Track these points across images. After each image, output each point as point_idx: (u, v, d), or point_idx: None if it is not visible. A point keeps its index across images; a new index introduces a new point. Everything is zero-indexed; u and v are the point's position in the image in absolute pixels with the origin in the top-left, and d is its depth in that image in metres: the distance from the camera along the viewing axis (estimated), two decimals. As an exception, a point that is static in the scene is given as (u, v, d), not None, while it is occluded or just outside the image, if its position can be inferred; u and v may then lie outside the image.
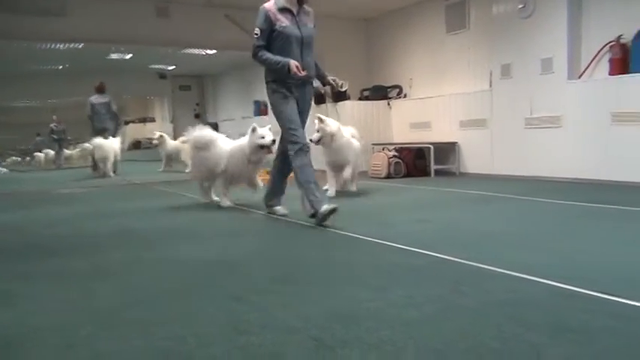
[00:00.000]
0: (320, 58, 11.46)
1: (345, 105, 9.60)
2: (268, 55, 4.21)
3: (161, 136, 11.46)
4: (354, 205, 5.33)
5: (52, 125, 17.60)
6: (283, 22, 4.20)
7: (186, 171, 9.35)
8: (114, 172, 10.33)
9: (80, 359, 1.75)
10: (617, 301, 2.10)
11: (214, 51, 13.24)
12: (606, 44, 6.52)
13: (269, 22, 4.19)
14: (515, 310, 2.04)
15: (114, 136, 10.52)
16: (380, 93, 10.08)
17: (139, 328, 1.99)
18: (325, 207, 3.95)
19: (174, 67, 16.78)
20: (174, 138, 18.36)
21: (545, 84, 7.06)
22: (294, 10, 4.28)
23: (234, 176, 5.14)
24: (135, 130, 23.31)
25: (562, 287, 2.31)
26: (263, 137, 4.88)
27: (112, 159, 10.28)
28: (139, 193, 7.09)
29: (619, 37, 6.35)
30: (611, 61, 6.44)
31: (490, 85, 7.95)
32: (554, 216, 4.38)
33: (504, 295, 2.24)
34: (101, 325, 2.03)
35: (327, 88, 5.23)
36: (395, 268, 2.75)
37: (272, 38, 4.23)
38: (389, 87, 10.18)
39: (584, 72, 6.83)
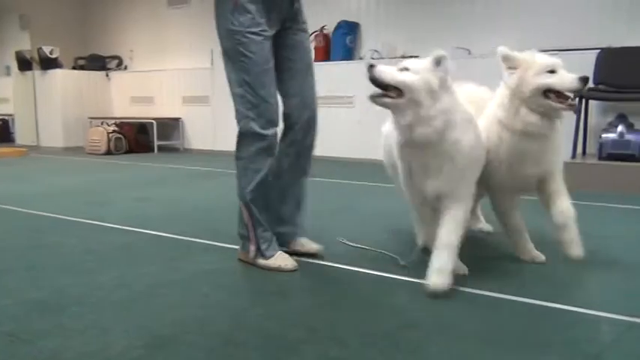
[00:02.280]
0: (25, 19, 10.13)
1: (56, 73, 8.72)
2: None
3: None
4: (68, 184, 4.92)
5: None
6: None
7: None
8: None
9: None
10: (324, 264, 2.41)
11: None
12: (312, 33, 7.25)
13: None
14: (223, 279, 2.19)
15: None
16: (97, 63, 9.41)
17: None
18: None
19: None
20: None
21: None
22: None
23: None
24: None
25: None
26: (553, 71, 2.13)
27: None
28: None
29: (322, 28, 7.13)
30: (315, 49, 7.19)
31: (211, 63, 8.13)
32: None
33: (212, 265, 2.37)
34: None
35: None
36: (107, 249, 2.65)
37: None
38: (107, 57, 9.57)
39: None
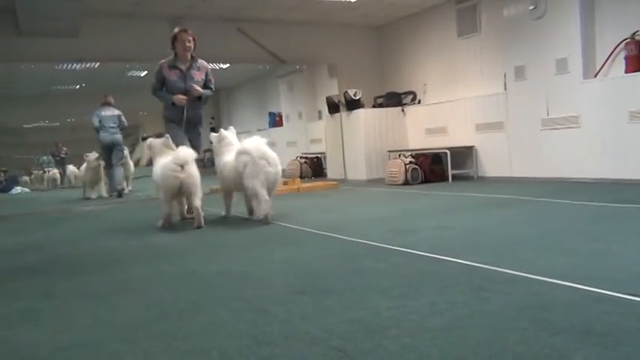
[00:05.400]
0: (333, 68, 11.56)
1: (359, 113, 9.62)
2: (162, 92, 5.60)
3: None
4: (373, 213, 5.32)
5: (53, 150, 17.89)
6: (172, 76, 5.52)
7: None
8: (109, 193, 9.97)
9: (106, 375, 1.76)
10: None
11: (228, 64, 13.37)
12: (621, 42, 6.45)
13: (161, 75, 5.55)
14: (540, 314, 2.02)
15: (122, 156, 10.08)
16: (394, 100, 10.09)
17: (162, 343, 2.01)
18: None
19: (188, 82, 16.96)
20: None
21: (560, 84, 7.00)
22: (184, 67, 5.55)
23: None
24: (152, 146, 23.52)
25: (587, 290, 2.28)
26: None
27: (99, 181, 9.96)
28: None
29: (634, 34, 6.29)
30: (626, 58, 6.37)
31: (505, 88, 7.90)
32: (575, 218, 4.32)
33: (528, 299, 2.22)
34: (125, 341, 2.05)
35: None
36: (416, 276, 2.73)
37: (165, 86, 5.56)
38: (403, 93, 10.18)
39: (599, 71, 6.76)
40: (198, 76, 5.60)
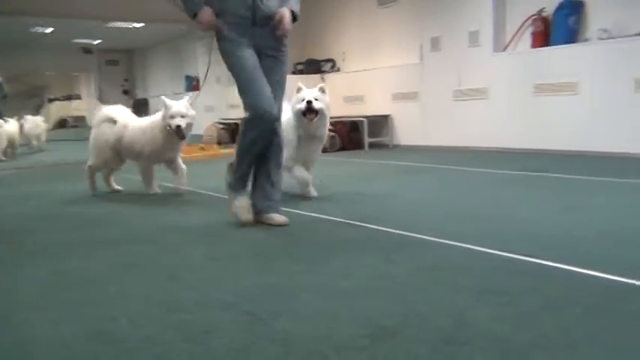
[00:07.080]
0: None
1: (279, 79, 9.52)
2: None
3: None
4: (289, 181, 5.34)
5: None
6: None
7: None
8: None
9: (10, 346, 1.69)
10: (539, 263, 2.23)
11: (142, 24, 12.77)
12: (529, 17, 6.77)
13: None
14: (443, 275, 2.14)
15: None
16: (313, 67, 10.07)
17: (71, 311, 1.94)
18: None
19: (100, 41, 16.09)
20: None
21: (472, 56, 7.27)
22: None
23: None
24: (60, 108, 22.22)
25: (489, 252, 2.43)
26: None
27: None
28: (68, 175, 6.79)
29: (540, 11, 6.61)
30: (533, 34, 6.70)
31: (421, 59, 8.10)
32: (482, 184, 4.56)
33: (433, 261, 2.34)
34: (34, 310, 1.96)
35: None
36: (330, 241, 2.80)
37: None
38: (322, 61, 10.18)
39: (508, 44, 7.08)
40: None
